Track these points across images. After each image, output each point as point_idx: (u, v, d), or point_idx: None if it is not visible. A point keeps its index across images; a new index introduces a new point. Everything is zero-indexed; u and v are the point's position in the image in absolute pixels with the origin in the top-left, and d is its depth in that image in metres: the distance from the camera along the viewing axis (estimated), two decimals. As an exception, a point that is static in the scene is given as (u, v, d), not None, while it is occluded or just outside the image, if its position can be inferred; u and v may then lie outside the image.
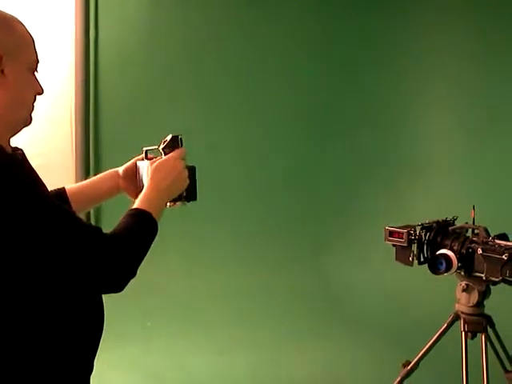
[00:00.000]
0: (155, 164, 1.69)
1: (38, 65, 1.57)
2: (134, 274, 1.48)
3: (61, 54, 4.00)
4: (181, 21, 3.73)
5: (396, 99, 3.73)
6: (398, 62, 3.70)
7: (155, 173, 1.67)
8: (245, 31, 3.69)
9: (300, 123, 3.71)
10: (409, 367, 2.63)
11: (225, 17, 3.73)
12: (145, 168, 1.77)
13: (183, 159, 1.71)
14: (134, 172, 1.88)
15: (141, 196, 1.62)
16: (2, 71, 1.46)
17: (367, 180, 3.71)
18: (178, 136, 1.73)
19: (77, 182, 4.12)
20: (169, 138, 1.73)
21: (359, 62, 3.66)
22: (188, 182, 1.72)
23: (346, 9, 3.64)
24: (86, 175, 4.09)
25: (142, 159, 1.83)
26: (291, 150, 3.74)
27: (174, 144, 1.72)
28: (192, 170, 1.76)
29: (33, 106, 1.58)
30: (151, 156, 1.82)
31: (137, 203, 1.60)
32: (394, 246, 2.52)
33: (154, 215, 1.57)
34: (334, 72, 3.66)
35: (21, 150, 1.59)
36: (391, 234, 2.50)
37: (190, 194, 1.75)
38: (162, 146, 1.74)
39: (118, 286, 1.46)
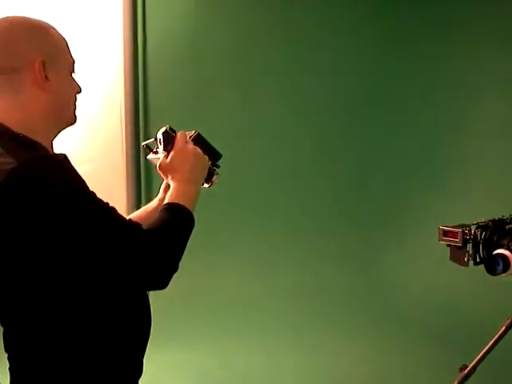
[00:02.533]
0: (166, 164, 1.67)
1: (75, 65, 1.61)
2: (176, 269, 1.47)
3: (109, 57, 4.04)
4: (229, 20, 3.72)
5: (448, 98, 3.65)
6: (451, 60, 3.63)
7: (171, 172, 1.66)
8: (294, 30, 3.65)
9: (351, 123, 3.66)
10: (466, 371, 2.55)
11: (273, 16, 3.70)
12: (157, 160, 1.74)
13: (187, 141, 1.69)
14: None
15: (169, 192, 1.62)
16: (46, 76, 1.50)
17: (419, 178, 3.63)
18: (165, 130, 1.70)
19: (127, 186, 4.19)
20: (160, 137, 1.70)
21: (413, 60, 3.59)
22: (206, 157, 1.69)
23: (388, 7, 3.58)
24: (137, 178, 4.11)
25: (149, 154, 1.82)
26: (341, 148, 3.69)
27: (168, 138, 1.69)
28: (198, 137, 1.73)
29: (75, 105, 1.62)
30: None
31: (167, 199, 1.59)
32: (448, 245, 2.45)
33: (187, 206, 1.56)
34: (384, 74, 3.60)
35: (64, 154, 1.61)
36: (445, 233, 2.43)
37: (213, 158, 1.73)
38: (160, 147, 1.72)
39: (162, 282, 1.45)
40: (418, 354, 3.41)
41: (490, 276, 2.33)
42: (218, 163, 1.75)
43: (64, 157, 1.55)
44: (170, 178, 1.67)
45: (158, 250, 1.43)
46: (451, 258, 2.46)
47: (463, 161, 3.61)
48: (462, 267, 2.44)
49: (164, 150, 1.70)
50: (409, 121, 3.62)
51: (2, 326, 1.58)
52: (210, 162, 1.72)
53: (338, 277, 3.69)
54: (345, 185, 3.68)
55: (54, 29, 1.58)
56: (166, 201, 1.59)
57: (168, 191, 1.73)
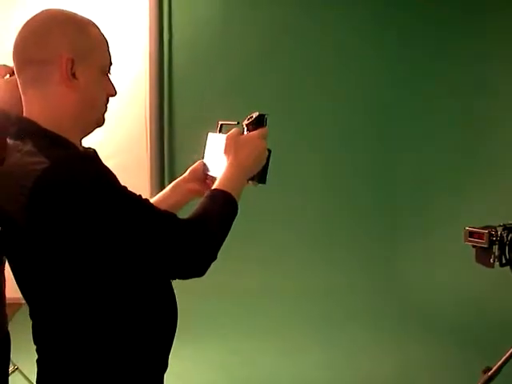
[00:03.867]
0: (239, 139, 1.66)
1: (111, 67, 1.58)
2: (214, 257, 1.47)
3: (135, 55, 4.05)
4: (253, 20, 3.72)
5: (473, 101, 3.61)
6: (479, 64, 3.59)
7: (239, 148, 1.64)
8: (318, 28, 3.64)
9: (378, 122, 3.63)
10: (490, 373, 2.54)
11: (296, 15, 3.69)
12: (220, 141, 1.72)
13: (265, 139, 1.68)
14: (201, 172, 1.87)
15: (222, 174, 1.60)
16: (74, 74, 1.48)
17: (443, 180, 3.61)
18: (264, 115, 1.69)
19: (151, 181, 4.21)
20: (255, 115, 1.69)
21: (439, 62, 3.56)
22: (264, 163, 1.69)
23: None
24: (161, 175, 4.13)
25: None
26: (367, 149, 3.67)
27: (259, 122, 1.68)
28: (268, 153, 1.72)
29: (105, 108, 1.59)
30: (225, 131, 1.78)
31: (218, 182, 1.58)
32: (473, 247, 2.43)
33: (234, 195, 1.55)
34: (411, 73, 3.57)
35: (93, 149, 1.61)
36: (471, 234, 2.41)
37: (261, 177, 1.71)
38: (246, 122, 1.70)
39: (199, 270, 1.45)
40: (441, 353, 3.39)
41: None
42: (258, 183, 1.73)
43: (94, 152, 1.56)
44: (227, 155, 1.64)
45: (195, 239, 1.43)
46: (477, 260, 2.44)
47: (490, 163, 3.58)
48: (488, 268, 2.42)
49: (247, 125, 1.69)
50: (435, 124, 3.59)
51: (32, 318, 1.60)
52: (257, 174, 1.70)
53: (363, 276, 3.67)
54: (369, 186, 3.66)
55: (95, 27, 1.55)
56: (216, 183, 1.58)
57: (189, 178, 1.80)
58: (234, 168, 1.61)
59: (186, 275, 1.48)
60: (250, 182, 1.68)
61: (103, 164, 1.44)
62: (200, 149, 3.70)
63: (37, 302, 1.55)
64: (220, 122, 1.84)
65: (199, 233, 1.45)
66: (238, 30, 3.75)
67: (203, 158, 1.88)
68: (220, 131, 1.84)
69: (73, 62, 1.47)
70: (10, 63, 1.87)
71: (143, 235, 1.40)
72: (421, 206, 3.64)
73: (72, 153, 1.46)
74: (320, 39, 3.64)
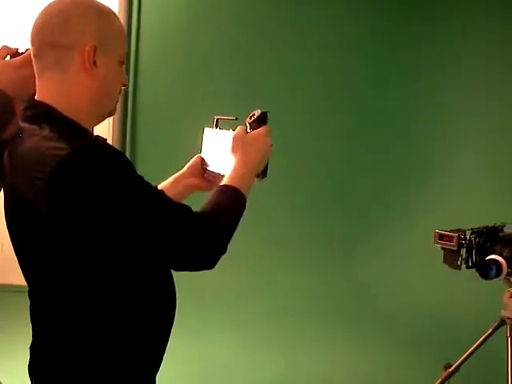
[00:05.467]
0: (245, 137, 1.69)
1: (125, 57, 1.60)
2: (224, 251, 1.50)
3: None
4: (223, 8, 3.71)
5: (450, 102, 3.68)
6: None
7: (246, 147, 1.67)
8: (293, 17, 3.63)
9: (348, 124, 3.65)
10: (450, 369, 2.65)
11: (263, 13, 3.70)
12: (226, 138, 1.75)
13: (269, 136, 1.72)
14: (199, 167, 1.90)
15: (231, 171, 1.63)
16: (94, 62, 1.48)
17: (413, 182, 3.68)
18: (266, 112, 1.73)
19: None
20: (257, 113, 1.73)
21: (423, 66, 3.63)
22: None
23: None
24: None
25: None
26: (334, 149, 3.72)
27: (262, 120, 1.73)
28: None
29: (118, 98, 1.61)
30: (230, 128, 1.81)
31: (227, 178, 1.61)
32: (442, 249, 2.53)
33: (243, 191, 1.59)
34: (388, 80, 3.62)
35: (105, 138, 1.61)
36: (441, 237, 2.51)
37: (264, 172, 1.76)
38: (248, 120, 1.74)
39: (209, 263, 1.48)
40: (399, 353, 3.47)
41: (478, 280, 2.43)
42: (262, 179, 1.77)
43: (106, 141, 1.56)
44: (235, 153, 1.67)
45: (207, 233, 1.46)
46: (444, 261, 2.55)
47: (460, 167, 3.68)
48: (454, 270, 2.53)
49: (250, 123, 1.72)
50: (410, 123, 3.65)
51: (31, 300, 1.60)
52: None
53: (312, 277, 3.72)
54: (335, 185, 3.72)
55: (116, 16, 1.57)
56: (225, 180, 1.61)
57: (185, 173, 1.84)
58: (243, 166, 1.65)
59: (196, 267, 1.51)
60: (256, 179, 1.72)
61: (121, 153, 1.45)
62: (164, 140, 3.70)
63: (39, 283, 1.55)
64: (216, 117, 1.88)
65: (211, 226, 1.48)
66: (207, 19, 3.73)
67: (201, 152, 1.91)
68: (216, 126, 1.86)
69: (95, 49, 1.47)
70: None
71: (158, 225, 1.42)
72: (387, 207, 3.71)
73: (92, 141, 1.47)
74: (292, 31, 3.63)
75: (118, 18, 1.57)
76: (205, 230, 1.46)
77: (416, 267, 3.60)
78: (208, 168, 1.87)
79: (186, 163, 1.93)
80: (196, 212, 1.48)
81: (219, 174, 1.80)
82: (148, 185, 1.46)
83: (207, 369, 3.44)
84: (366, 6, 3.65)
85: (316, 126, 3.67)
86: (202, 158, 1.89)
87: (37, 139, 1.43)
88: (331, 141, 3.71)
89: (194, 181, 1.89)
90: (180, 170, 1.93)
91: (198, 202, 1.54)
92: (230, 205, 1.55)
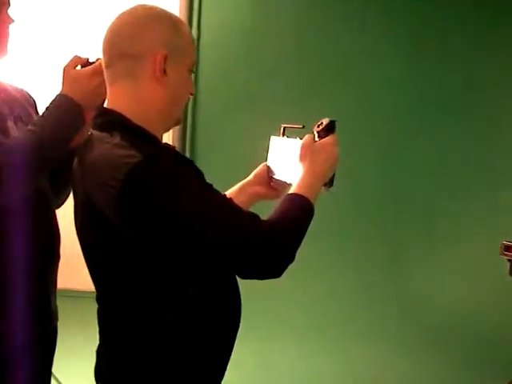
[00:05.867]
0: (313, 146, 1.69)
1: (194, 66, 1.62)
2: (292, 259, 1.49)
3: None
4: (283, 20, 3.70)
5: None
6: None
7: (314, 155, 1.67)
8: (359, 26, 3.59)
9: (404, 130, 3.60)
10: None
11: (334, 10, 3.63)
12: (293, 146, 1.75)
13: (337, 145, 1.71)
14: (265, 175, 1.90)
15: (299, 179, 1.63)
16: (165, 71, 1.50)
17: (465, 191, 3.61)
18: (334, 121, 1.72)
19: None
20: (325, 121, 1.72)
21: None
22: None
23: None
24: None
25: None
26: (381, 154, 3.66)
27: (330, 129, 1.72)
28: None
29: (184, 107, 1.63)
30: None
31: (295, 187, 1.60)
32: (509, 260, 2.48)
33: (311, 200, 1.58)
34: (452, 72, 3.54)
35: (173, 146, 1.63)
36: (507, 248, 2.46)
37: (332, 181, 1.74)
38: (316, 128, 1.74)
39: (277, 272, 1.48)
40: (450, 367, 3.40)
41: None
42: (329, 188, 1.76)
43: (175, 149, 1.58)
44: (303, 162, 1.67)
45: (277, 241, 1.46)
46: (510, 273, 2.49)
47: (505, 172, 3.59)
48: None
49: (318, 132, 1.72)
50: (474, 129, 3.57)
51: (99, 304, 1.63)
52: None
53: (353, 283, 3.67)
54: (379, 192, 3.66)
55: (185, 25, 1.59)
56: (293, 188, 1.61)
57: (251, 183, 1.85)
58: (311, 174, 1.64)
59: (264, 275, 1.50)
60: (323, 188, 1.71)
61: (191, 161, 1.46)
62: (225, 152, 3.70)
63: (108, 288, 1.58)
64: (283, 126, 1.88)
65: (280, 235, 1.48)
66: (267, 30, 3.73)
67: (267, 161, 1.91)
68: (283, 134, 1.87)
69: (166, 58, 1.49)
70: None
71: (227, 234, 1.42)
72: (436, 216, 3.64)
73: (163, 149, 1.49)
74: (356, 39, 3.59)
75: (187, 27, 1.60)
76: (273, 238, 1.46)
77: (480, 279, 3.52)
78: (274, 176, 1.87)
79: (249, 172, 1.94)
80: (264, 220, 1.49)
81: (285, 182, 1.80)
82: (217, 193, 1.47)
83: (268, 377, 3.44)
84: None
85: (386, 133, 3.61)
86: (268, 167, 1.90)
87: (108, 147, 1.45)
88: (398, 149, 3.64)
89: (259, 189, 1.90)
90: (244, 178, 1.94)
91: (264, 211, 1.54)
92: (298, 213, 1.54)
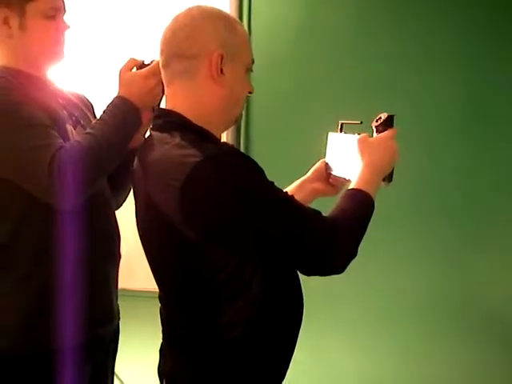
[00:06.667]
0: (371, 140, 1.68)
1: (253, 65, 1.61)
2: (355, 255, 1.49)
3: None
4: (334, 21, 3.66)
5: None
6: None
7: (372, 150, 1.66)
8: (401, 27, 3.54)
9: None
10: None
11: (379, 14, 3.61)
12: (351, 142, 1.73)
13: (394, 139, 1.70)
14: (324, 172, 1.90)
15: (358, 175, 1.62)
16: (222, 70, 1.50)
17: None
18: (393, 116, 1.71)
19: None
20: (383, 116, 1.71)
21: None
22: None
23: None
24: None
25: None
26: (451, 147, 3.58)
27: (388, 123, 1.71)
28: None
29: (243, 105, 1.63)
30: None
31: (355, 183, 1.59)
32: None
33: (371, 195, 1.57)
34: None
35: (232, 145, 1.64)
36: None
37: (391, 176, 1.73)
38: (374, 123, 1.73)
39: (340, 267, 1.48)
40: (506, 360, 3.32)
41: None
42: (389, 183, 1.74)
43: (234, 147, 1.58)
44: (361, 157, 1.66)
45: (338, 238, 1.45)
46: None
47: None
48: None
49: (376, 127, 1.72)
50: None
51: (164, 306, 1.64)
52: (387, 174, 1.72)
53: (435, 280, 3.60)
54: (451, 186, 3.58)
55: (241, 25, 1.60)
56: (353, 184, 1.60)
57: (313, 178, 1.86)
58: (370, 170, 1.63)
59: (326, 272, 1.50)
60: (382, 183, 1.69)
61: (252, 159, 1.46)
62: (277, 150, 3.69)
63: (170, 287, 1.59)
64: (341, 122, 1.87)
65: (342, 231, 1.47)
66: (317, 32, 3.70)
67: (325, 157, 1.90)
68: (341, 131, 1.86)
69: (222, 57, 1.50)
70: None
71: (291, 230, 1.43)
72: (498, 205, 3.53)
73: (223, 147, 1.48)
74: (411, 36, 3.53)
75: (242, 27, 1.60)
76: (336, 234, 1.45)
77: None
78: (332, 172, 1.86)
79: (307, 169, 1.93)
80: (326, 217, 1.48)
81: (344, 178, 1.79)
82: (279, 190, 1.47)
83: (323, 374, 3.42)
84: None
85: (445, 129, 3.53)
86: (327, 163, 1.89)
87: (168, 147, 1.46)
88: (458, 145, 3.56)
89: (318, 185, 1.90)
90: (301, 176, 1.93)
91: (323, 207, 1.53)
92: (359, 209, 1.53)
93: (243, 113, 3.95)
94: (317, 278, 1.52)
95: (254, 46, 3.68)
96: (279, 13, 3.76)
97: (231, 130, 4.00)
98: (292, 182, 1.95)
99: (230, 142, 4.00)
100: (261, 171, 1.44)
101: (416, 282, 3.56)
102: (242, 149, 3.84)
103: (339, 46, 3.59)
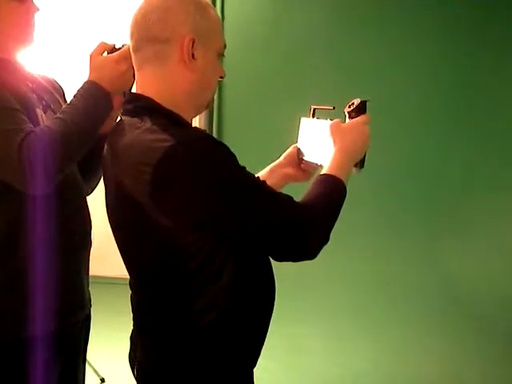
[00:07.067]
0: (344, 126, 1.68)
1: (225, 50, 1.60)
2: (327, 241, 1.49)
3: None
4: (310, 4, 3.66)
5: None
6: None
7: (344, 135, 1.65)
8: (381, 13, 3.55)
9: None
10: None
11: (351, 5, 3.61)
12: (323, 127, 1.73)
13: (367, 124, 1.69)
14: (296, 157, 1.89)
15: (330, 160, 1.61)
16: (193, 55, 1.49)
17: (497, 177, 3.55)
18: (366, 101, 1.70)
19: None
20: (356, 102, 1.71)
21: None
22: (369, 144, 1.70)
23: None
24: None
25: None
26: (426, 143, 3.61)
27: (361, 109, 1.70)
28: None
29: (215, 90, 1.62)
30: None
31: (327, 168, 1.59)
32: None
33: (343, 180, 1.57)
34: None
35: (203, 130, 1.62)
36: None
37: (362, 162, 1.72)
38: (347, 109, 1.72)
39: (313, 253, 1.48)
40: (492, 353, 3.37)
41: None
42: (361, 169, 1.74)
43: (206, 132, 1.56)
44: (334, 143, 1.65)
45: (311, 222, 1.46)
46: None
47: None
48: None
49: (349, 112, 1.71)
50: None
51: (135, 293, 1.63)
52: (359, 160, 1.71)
53: (398, 271, 3.65)
54: (419, 181, 3.61)
55: (213, 9, 1.57)
56: (325, 169, 1.60)
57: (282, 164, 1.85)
58: (342, 155, 1.63)
59: (298, 257, 1.50)
60: (353, 169, 1.69)
61: (223, 144, 1.45)
62: (250, 133, 3.70)
63: (141, 274, 1.58)
64: (313, 107, 1.86)
65: (314, 216, 1.47)
66: (292, 16, 3.69)
67: (297, 142, 1.90)
68: (313, 116, 1.85)
69: (194, 42, 1.48)
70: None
71: (262, 216, 1.42)
72: (470, 203, 3.58)
73: (194, 132, 1.47)
74: (391, 22, 3.53)
75: (215, 11, 1.58)
76: (308, 220, 1.45)
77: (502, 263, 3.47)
78: (304, 158, 1.86)
79: (279, 154, 1.93)
80: (298, 203, 1.48)
81: (316, 164, 1.79)
82: (251, 175, 1.46)
83: (301, 361, 3.44)
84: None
85: (420, 116, 3.55)
86: (299, 148, 1.88)
87: (139, 132, 1.44)
88: (425, 132, 3.58)
89: (290, 171, 1.89)
90: (273, 161, 1.93)
91: (294, 193, 1.53)
92: (331, 194, 1.53)
93: (215, 97, 3.96)
94: (288, 263, 1.52)
95: (227, 29, 3.75)
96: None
97: (204, 114, 4.00)
98: (264, 167, 1.94)
99: (203, 126, 3.99)
100: (232, 156, 1.43)
101: (391, 268, 3.60)
102: (214, 133, 3.83)
103: (315, 30, 3.59)
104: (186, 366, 1.52)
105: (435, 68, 3.48)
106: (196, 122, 3.96)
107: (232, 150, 1.45)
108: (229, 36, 3.54)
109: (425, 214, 3.66)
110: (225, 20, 3.84)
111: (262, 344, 1.63)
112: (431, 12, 3.47)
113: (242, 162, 1.46)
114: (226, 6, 3.83)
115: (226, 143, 1.44)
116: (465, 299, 3.57)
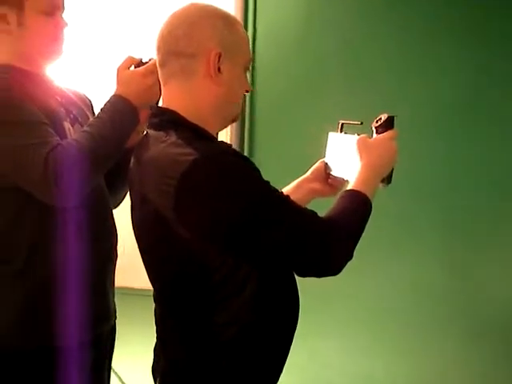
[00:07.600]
0: (371, 141, 1.67)
1: (251, 64, 1.61)
2: (351, 257, 1.48)
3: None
4: (339, 16, 3.64)
5: None
6: None
7: (371, 150, 1.65)
8: (404, 26, 3.52)
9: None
10: None
11: (383, 12, 3.59)
12: (351, 142, 1.72)
13: (394, 139, 1.69)
14: (323, 172, 1.89)
15: (356, 175, 1.61)
16: (219, 69, 1.50)
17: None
18: (393, 117, 1.70)
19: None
20: (384, 117, 1.70)
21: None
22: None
23: None
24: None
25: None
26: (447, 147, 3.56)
27: (388, 124, 1.70)
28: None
29: (241, 104, 1.62)
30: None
31: (353, 184, 1.59)
32: None
33: (369, 196, 1.56)
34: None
35: (230, 144, 1.63)
36: None
37: (389, 178, 1.72)
38: (374, 124, 1.72)
39: (336, 269, 1.47)
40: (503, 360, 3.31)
41: None
42: (387, 185, 1.73)
43: (231, 147, 1.57)
44: (360, 158, 1.65)
45: (335, 238, 1.45)
46: None
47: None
48: None
49: (376, 128, 1.71)
50: None
51: (159, 306, 1.63)
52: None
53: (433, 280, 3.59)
54: (448, 189, 3.56)
55: (240, 24, 1.59)
56: (351, 184, 1.59)
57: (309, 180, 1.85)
58: (368, 170, 1.62)
59: (322, 273, 1.49)
60: (380, 184, 1.69)
61: (248, 159, 1.45)
62: (281, 146, 3.68)
63: (165, 287, 1.57)
64: (341, 122, 1.86)
65: (338, 232, 1.46)
66: (321, 32, 3.68)
67: (325, 157, 1.89)
68: (341, 131, 1.85)
69: (220, 56, 1.49)
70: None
71: (286, 231, 1.41)
72: (502, 211, 3.52)
73: (219, 146, 1.48)
74: (413, 37, 3.50)
75: (241, 25, 1.59)
76: (332, 235, 1.44)
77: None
78: (331, 173, 1.86)
79: (306, 169, 1.92)
80: (323, 218, 1.47)
81: (343, 179, 1.78)
82: (275, 190, 1.45)
83: (322, 376, 3.41)
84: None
85: (449, 130, 3.51)
86: (326, 163, 1.88)
87: (164, 146, 1.45)
88: (460, 147, 3.53)
89: (317, 186, 1.89)
90: (300, 175, 1.92)
91: (321, 208, 1.52)
92: (356, 210, 1.52)
93: (247, 112, 3.97)
94: (311, 278, 1.51)
95: (259, 45, 3.76)
96: (284, 12, 3.75)
97: (235, 130, 4.01)
98: (299, 177, 1.94)
99: (234, 142, 4.00)
100: (256, 170, 1.43)
101: (413, 282, 3.55)
102: (245, 148, 3.83)
103: (343, 45, 3.57)
104: (208, 380, 1.52)
105: (454, 83, 3.44)
106: (227, 136, 3.98)
107: (263, 163, 1.45)
108: (261, 50, 3.53)
109: (449, 230, 3.61)
110: (257, 34, 3.83)
111: (285, 360, 1.61)
112: (450, 25, 3.44)
113: (272, 176, 1.47)
114: (257, 21, 3.81)
115: (256, 157, 1.44)
116: (493, 317, 3.51)
